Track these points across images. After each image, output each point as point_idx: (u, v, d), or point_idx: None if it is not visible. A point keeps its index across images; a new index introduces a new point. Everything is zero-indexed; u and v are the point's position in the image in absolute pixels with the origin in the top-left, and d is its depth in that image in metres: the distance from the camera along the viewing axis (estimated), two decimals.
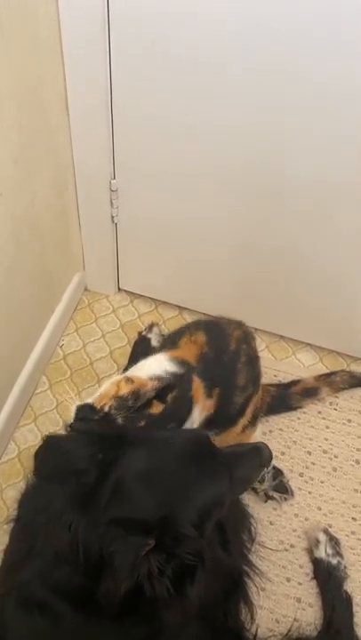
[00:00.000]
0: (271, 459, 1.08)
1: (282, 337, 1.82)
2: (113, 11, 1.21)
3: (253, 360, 1.34)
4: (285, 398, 1.61)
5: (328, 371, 1.73)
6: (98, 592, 0.85)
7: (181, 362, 1.21)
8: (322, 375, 1.67)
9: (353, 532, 1.46)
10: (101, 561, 0.87)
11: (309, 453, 1.58)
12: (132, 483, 0.92)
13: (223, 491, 0.98)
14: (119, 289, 1.90)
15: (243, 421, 1.34)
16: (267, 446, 1.07)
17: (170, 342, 1.36)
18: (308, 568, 1.41)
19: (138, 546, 0.84)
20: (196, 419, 1.19)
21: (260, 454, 1.06)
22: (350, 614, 1.34)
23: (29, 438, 1.59)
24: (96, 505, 0.90)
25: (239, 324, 1.40)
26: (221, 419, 1.28)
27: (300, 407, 1.64)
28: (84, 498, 0.92)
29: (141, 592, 0.85)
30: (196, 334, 1.33)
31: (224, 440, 1.31)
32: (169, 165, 1.46)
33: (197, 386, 1.19)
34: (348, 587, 1.37)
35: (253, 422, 1.41)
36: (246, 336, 1.36)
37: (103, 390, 1.12)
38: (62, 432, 1.58)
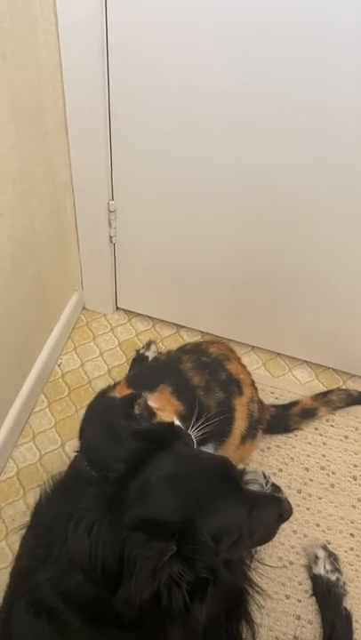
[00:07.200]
0: (291, 512, 1.07)
1: (278, 354, 1.84)
2: (112, 36, 1.24)
3: (213, 365, 1.37)
4: (284, 419, 1.61)
5: (324, 387, 1.74)
6: (115, 600, 0.83)
7: None
8: (319, 395, 1.67)
9: (352, 549, 1.46)
10: (118, 568, 0.86)
11: (307, 470, 1.59)
12: (158, 483, 0.92)
13: (242, 517, 0.97)
14: (117, 308, 1.92)
15: (237, 430, 1.35)
16: (287, 500, 1.08)
17: None
18: (308, 585, 1.41)
19: (160, 550, 0.83)
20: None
21: (280, 502, 1.07)
22: (350, 631, 1.33)
23: (28, 457, 1.59)
24: (121, 504, 0.91)
25: (183, 345, 1.49)
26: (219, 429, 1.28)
27: (299, 429, 1.64)
28: (110, 496, 0.92)
29: (151, 606, 0.83)
30: None
31: (224, 453, 1.31)
32: (167, 186, 1.48)
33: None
34: (348, 603, 1.37)
35: (253, 433, 1.41)
36: (194, 347, 1.43)
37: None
38: (60, 451, 1.60)
